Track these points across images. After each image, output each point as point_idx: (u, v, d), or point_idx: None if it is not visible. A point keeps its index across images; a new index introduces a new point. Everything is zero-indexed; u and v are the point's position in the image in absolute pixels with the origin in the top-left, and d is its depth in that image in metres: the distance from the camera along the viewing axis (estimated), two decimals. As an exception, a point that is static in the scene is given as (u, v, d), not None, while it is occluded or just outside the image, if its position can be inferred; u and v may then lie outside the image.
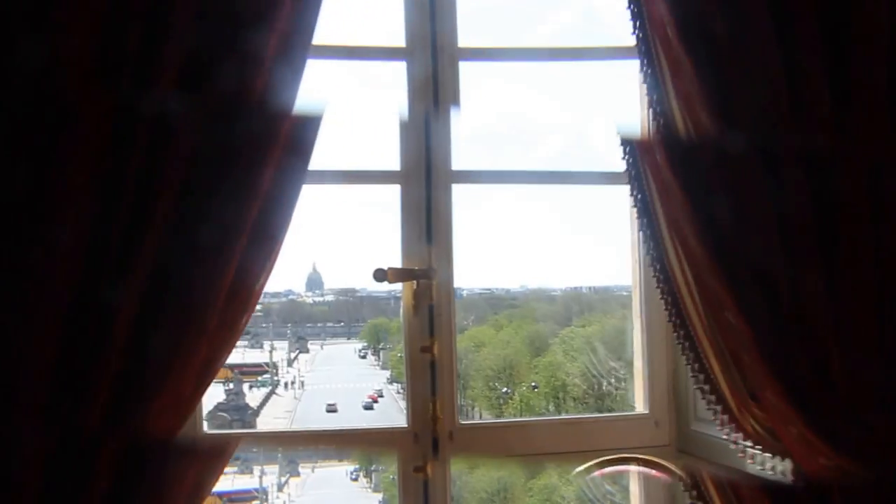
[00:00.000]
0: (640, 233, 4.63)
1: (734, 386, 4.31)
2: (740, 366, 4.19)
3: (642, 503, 5.99)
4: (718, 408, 4.52)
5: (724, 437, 4.76)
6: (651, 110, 4.26)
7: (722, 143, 3.78)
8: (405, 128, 5.99)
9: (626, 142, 4.27)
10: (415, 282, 6.14)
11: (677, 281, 4.40)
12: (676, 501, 5.76)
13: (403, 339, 6.39)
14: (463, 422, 6.43)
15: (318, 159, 3.75)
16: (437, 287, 6.19)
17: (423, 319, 6.29)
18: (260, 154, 3.42)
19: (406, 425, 6.26)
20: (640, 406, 6.73)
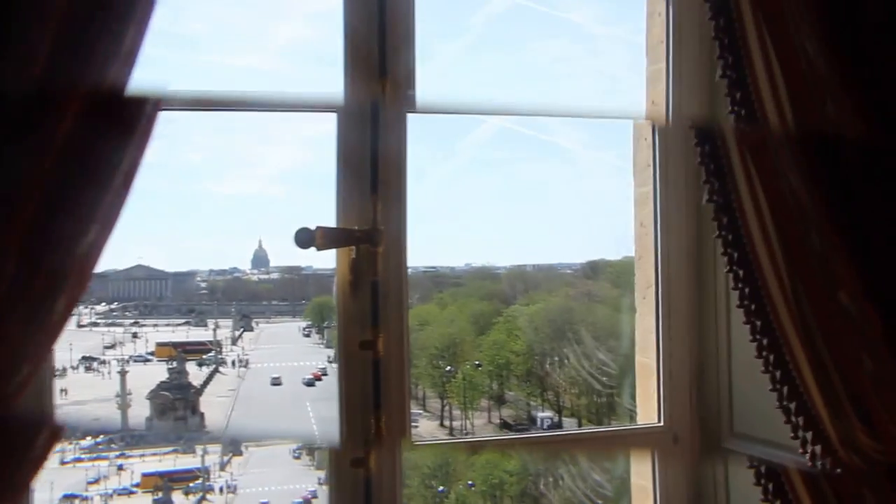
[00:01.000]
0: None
1: (834, 402, 3.21)
2: (851, 373, 3.09)
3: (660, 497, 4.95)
4: (808, 434, 3.45)
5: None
6: (729, 99, 3.69)
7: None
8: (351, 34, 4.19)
9: (703, 132, 3.83)
10: (353, 248, 4.30)
11: (758, 257, 3.45)
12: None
13: (337, 328, 4.58)
14: (418, 441, 4.64)
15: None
16: (384, 256, 4.35)
17: (364, 302, 4.46)
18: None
19: (338, 444, 4.43)
20: (647, 413, 4.98)
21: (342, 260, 4.55)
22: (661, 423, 4.99)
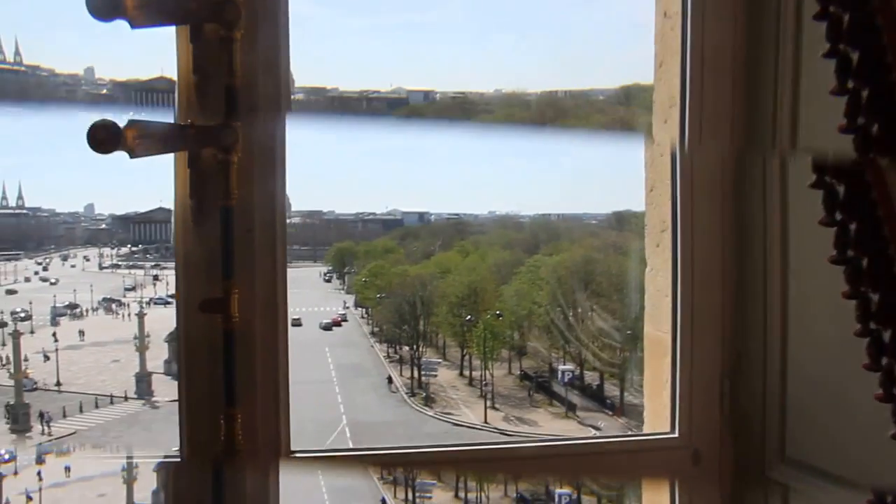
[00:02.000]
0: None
1: None
2: None
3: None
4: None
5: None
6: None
7: None
8: None
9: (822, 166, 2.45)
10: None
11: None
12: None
13: (175, 276, 2.92)
14: (300, 452, 2.98)
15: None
16: (242, 163, 2.70)
17: (211, 234, 2.77)
18: None
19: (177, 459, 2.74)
20: (657, 415, 3.29)
21: (180, 168, 2.90)
22: (676, 434, 3.28)
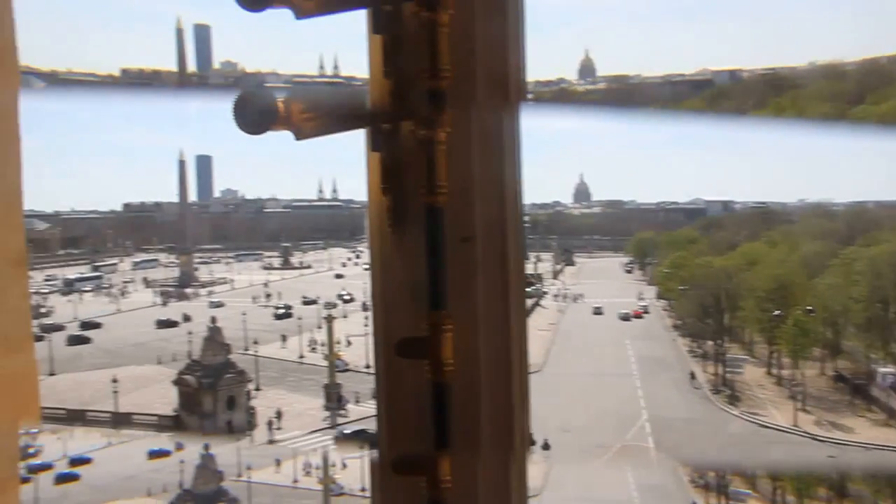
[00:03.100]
0: None
1: None
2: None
3: None
4: None
5: None
6: None
7: None
8: None
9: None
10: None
11: None
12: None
13: (371, 298, 2.06)
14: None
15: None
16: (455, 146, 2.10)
17: (414, 243, 1.86)
18: None
19: None
20: None
21: (371, 164, 2.05)
22: None
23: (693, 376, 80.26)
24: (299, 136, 1.93)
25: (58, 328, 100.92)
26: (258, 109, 1.86)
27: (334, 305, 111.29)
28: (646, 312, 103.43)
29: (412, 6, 2.00)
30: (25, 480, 53.73)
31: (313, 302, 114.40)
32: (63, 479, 58.02)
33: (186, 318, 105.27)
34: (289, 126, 1.91)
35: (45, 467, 57.68)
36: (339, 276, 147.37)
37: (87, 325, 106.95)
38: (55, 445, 61.19)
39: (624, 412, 67.88)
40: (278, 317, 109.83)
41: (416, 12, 2.01)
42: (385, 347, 2.14)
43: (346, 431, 66.51)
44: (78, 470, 59.54)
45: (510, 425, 2.22)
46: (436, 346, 2.04)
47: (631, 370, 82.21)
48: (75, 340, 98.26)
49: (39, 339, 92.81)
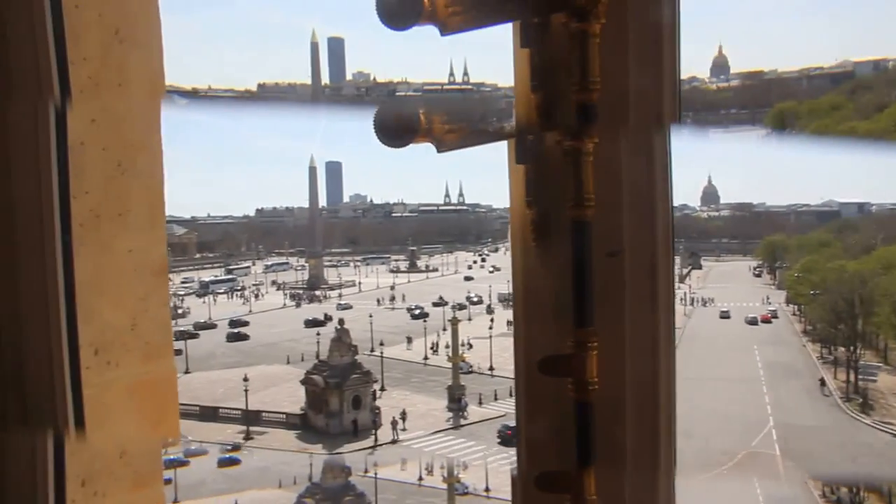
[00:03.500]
0: None
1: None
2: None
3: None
4: None
5: None
6: None
7: None
8: None
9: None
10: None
11: None
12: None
13: (513, 312, 2.01)
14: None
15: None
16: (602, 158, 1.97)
17: (559, 258, 1.80)
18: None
19: None
20: None
21: (514, 176, 1.98)
22: None
23: (823, 383, 77.45)
24: (441, 148, 1.88)
25: (210, 326, 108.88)
26: (399, 123, 1.83)
27: (462, 307, 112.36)
28: (774, 317, 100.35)
29: (561, 17, 1.92)
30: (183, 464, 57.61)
31: (438, 305, 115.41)
32: (225, 463, 61.79)
33: (327, 318, 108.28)
34: (430, 138, 1.87)
35: (201, 453, 62.13)
36: (468, 279, 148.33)
37: (236, 322, 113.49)
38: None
39: (750, 418, 65.97)
40: (414, 317, 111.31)
41: (566, 23, 1.92)
42: (526, 363, 2.08)
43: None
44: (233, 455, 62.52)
45: (656, 444, 2.13)
46: (581, 364, 1.97)
47: (758, 375, 79.87)
48: (234, 337, 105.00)
49: (194, 336, 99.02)
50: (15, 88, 2.30)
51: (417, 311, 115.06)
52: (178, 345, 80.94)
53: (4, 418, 2.42)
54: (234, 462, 62.39)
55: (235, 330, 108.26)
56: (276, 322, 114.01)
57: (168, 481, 50.16)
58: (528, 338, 2.11)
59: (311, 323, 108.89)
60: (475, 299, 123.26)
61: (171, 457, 55.82)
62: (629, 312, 2.05)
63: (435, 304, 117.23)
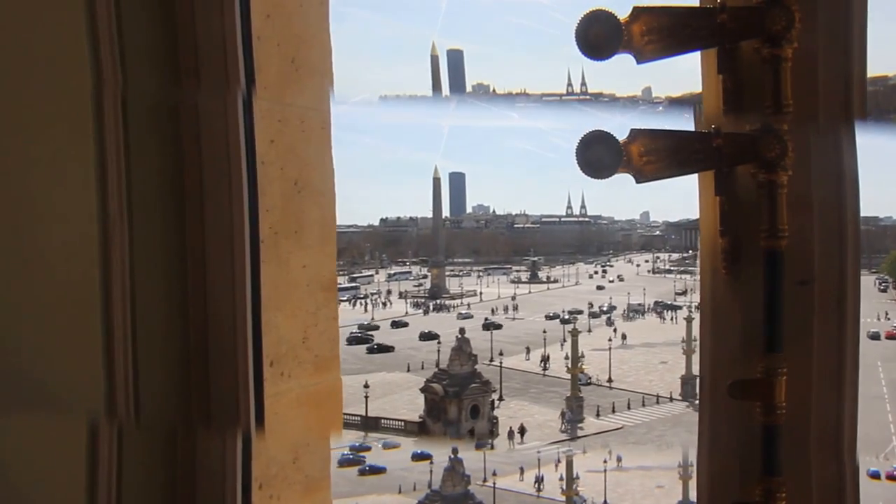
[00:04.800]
0: None
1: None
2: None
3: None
4: None
5: None
6: None
7: None
8: None
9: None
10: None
11: None
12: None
13: (699, 342, 1.98)
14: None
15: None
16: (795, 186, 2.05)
17: (751, 287, 1.77)
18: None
19: None
20: None
21: (705, 195, 1.98)
22: None
23: (950, 402, 74.05)
24: (639, 179, 1.90)
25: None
26: (606, 155, 1.85)
27: (597, 314, 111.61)
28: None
29: (754, 42, 1.91)
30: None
31: (556, 317, 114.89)
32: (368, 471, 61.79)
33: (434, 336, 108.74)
34: (629, 169, 1.89)
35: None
36: (600, 288, 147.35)
37: (396, 324, 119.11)
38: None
39: (872, 436, 63.68)
40: (563, 321, 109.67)
41: (758, 48, 1.92)
42: (711, 386, 2.08)
43: None
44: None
45: (840, 472, 2.08)
46: (770, 389, 1.98)
47: (881, 393, 76.93)
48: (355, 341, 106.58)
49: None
50: (204, 84, 2.40)
51: (566, 317, 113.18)
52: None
53: (192, 418, 2.51)
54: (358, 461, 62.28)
55: (360, 334, 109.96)
56: (398, 330, 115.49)
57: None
58: (713, 362, 2.11)
59: (425, 336, 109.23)
60: (599, 310, 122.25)
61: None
62: (817, 340, 2.02)
63: (549, 318, 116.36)
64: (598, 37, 1.86)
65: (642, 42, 1.90)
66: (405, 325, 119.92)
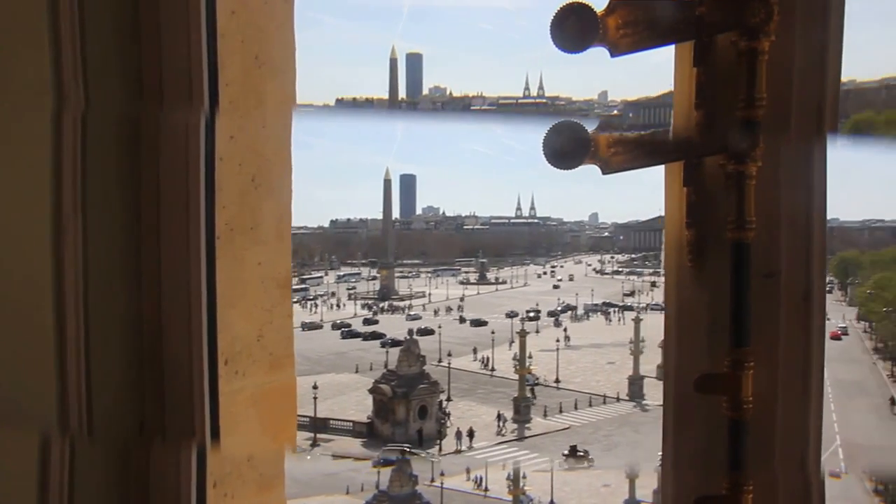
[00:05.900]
0: None
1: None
2: None
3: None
4: None
5: None
6: None
7: None
8: None
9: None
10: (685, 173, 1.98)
11: None
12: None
13: (664, 334, 1.98)
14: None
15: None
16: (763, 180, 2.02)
17: (717, 280, 1.79)
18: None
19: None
20: None
21: (672, 197, 1.97)
22: None
23: (893, 402, 75.61)
24: (606, 170, 1.88)
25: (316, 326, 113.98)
26: (572, 144, 1.82)
27: (540, 317, 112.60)
28: (844, 334, 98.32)
29: (731, 35, 1.90)
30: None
31: (511, 316, 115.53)
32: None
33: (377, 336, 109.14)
34: (596, 160, 1.87)
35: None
36: (555, 288, 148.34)
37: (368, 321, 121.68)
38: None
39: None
40: (513, 319, 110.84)
41: (735, 42, 1.91)
42: (676, 381, 2.08)
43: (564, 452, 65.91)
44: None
45: (804, 465, 2.09)
46: (736, 383, 1.96)
47: (826, 393, 78.39)
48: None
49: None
50: (168, 99, 2.36)
51: (532, 314, 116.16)
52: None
53: (146, 427, 2.46)
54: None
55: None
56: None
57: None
58: (678, 356, 2.10)
59: (370, 336, 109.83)
60: (556, 308, 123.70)
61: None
62: (783, 333, 2.03)
63: (508, 315, 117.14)
64: (574, 29, 1.83)
65: (617, 35, 1.87)
66: (348, 326, 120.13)
